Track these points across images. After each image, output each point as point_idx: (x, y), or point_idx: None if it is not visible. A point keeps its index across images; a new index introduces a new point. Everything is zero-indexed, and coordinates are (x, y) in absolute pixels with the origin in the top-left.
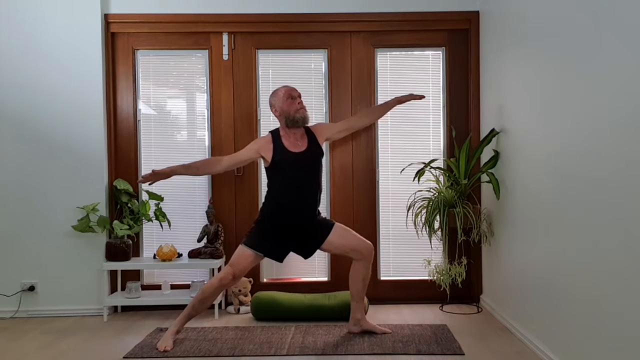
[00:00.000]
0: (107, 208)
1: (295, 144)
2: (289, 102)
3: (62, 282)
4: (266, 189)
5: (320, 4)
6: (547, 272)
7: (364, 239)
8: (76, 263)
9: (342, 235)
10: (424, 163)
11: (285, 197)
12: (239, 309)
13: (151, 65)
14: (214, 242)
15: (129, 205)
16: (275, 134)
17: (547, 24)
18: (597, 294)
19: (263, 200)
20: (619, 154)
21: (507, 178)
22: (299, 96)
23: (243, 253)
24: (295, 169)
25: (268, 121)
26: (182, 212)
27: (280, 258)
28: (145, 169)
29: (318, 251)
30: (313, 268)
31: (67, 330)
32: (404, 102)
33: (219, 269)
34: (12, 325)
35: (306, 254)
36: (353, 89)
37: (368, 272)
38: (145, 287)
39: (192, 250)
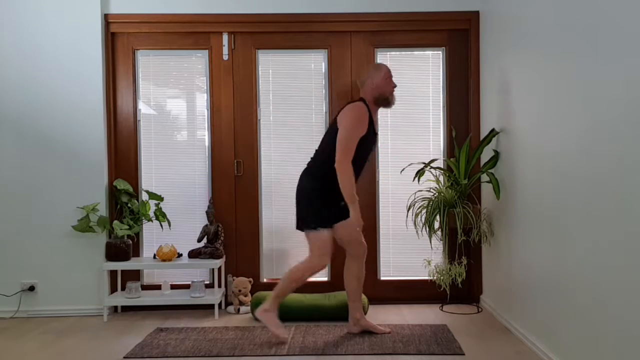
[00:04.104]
0: (107, 208)
1: (376, 121)
2: (388, 81)
3: (62, 282)
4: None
5: (320, 4)
6: (547, 271)
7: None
8: (76, 263)
9: (346, 226)
10: (424, 163)
11: (354, 172)
12: (239, 309)
13: (151, 65)
14: (214, 242)
15: (129, 205)
16: (366, 105)
17: (547, 24)
18: (597, 294)
19: (322, 168)
20: (619, 153)
21: (507, 178)
22: None
23: (325, 236)
24: (370, 146)
25: (268, 121)
26: (182, 212)
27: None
28: (145, 169)
29: None
30: None
31: (67, 330)
32: None
33: (219, 269)
34: (12, 325)
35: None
36: (353, 89)
37: (361, 270)
38: (145, 287)
39: (192, 250)
